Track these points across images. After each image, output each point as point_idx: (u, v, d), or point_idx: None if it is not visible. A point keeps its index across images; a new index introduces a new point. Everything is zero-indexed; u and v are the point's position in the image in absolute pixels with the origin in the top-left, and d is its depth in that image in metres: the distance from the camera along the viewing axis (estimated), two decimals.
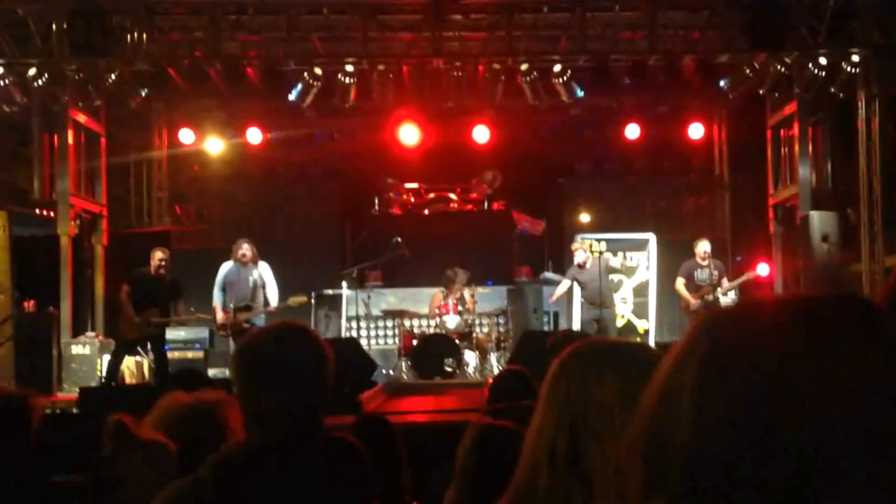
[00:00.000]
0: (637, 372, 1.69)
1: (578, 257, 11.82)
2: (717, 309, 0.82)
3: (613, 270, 12.15)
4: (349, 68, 11.94)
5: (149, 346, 11.11)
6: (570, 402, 1.66)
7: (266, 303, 10.87)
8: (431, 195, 15.91)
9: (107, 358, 11.62)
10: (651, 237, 13.17)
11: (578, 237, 12.47)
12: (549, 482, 1.63)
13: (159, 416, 2.71)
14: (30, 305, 11.66)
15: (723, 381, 0.77)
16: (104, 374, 11.07)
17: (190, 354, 12.34)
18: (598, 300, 11.56)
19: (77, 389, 9.83)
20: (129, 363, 11.65)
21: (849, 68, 11.59)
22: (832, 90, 11.99)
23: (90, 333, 12.34)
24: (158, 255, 10.80)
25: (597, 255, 11.75)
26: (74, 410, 8.48)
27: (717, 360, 0.79)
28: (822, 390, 0.74)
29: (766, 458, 0.74)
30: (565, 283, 12.04)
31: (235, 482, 1.92)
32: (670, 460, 0.79)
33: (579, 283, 11.93)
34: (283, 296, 11.05)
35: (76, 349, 11.69)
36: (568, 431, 1.64)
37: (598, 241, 12.97)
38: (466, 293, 12.13)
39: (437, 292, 12.44)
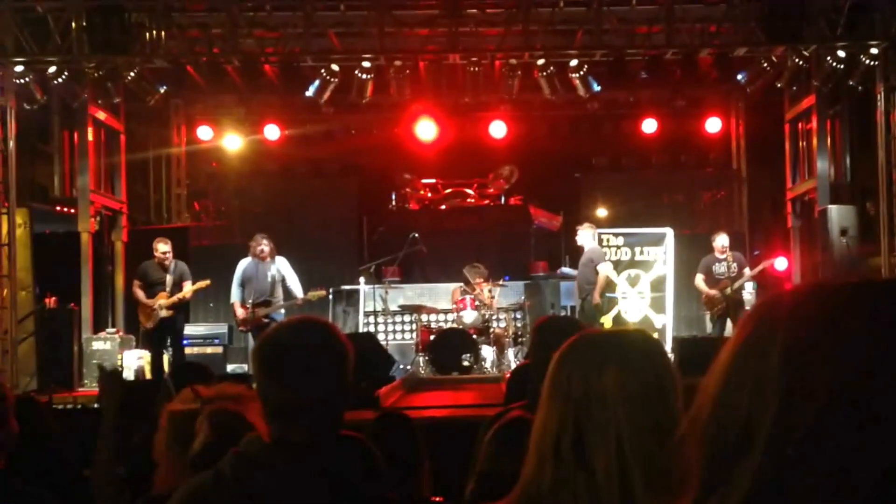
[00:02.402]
0: (637, 361, 1.71)
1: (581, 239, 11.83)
2: (777, 295, 0.84)
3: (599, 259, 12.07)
4: (366, 64, 11.97)
5: (168, 340, 11.21)
6: (572, 394, 1.67)
7: (287, 296, 10.94)
8: (448, 190, 15.92)
9: (127, 354, 11.73)
10: (668, 232, 13.14)
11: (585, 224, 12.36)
12: (555, 476, 1.65)
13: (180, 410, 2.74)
14: (51, 301, 11.76)
15: (817, 362, 0.78)
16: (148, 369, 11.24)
17: (209, 350, 12.42)
18: (579, 291, 11.67)
19: (98, 385, 9.91)
20: (148, 359, 11.75)
21: (867, 61, 11.52)
22: (850, 83, 11.92)
23: (111, 329, 12.44)
24: (161, 248, 11.03)
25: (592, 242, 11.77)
26: (96, 405, 8.54)
27: (803, 343, 0.79)
28: None
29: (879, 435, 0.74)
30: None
31: (255, 476, 1.95)
32: (741, 452, 0.80)
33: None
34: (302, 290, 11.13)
35: (97, 345, 11.78)
36: (572, 424, 1.66)
37: (616, 236, 12.97)
38: (485, 289, 12.15)
39: (455, 288, 12.46)
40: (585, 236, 11.79)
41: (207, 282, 11.17)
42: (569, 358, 1.73)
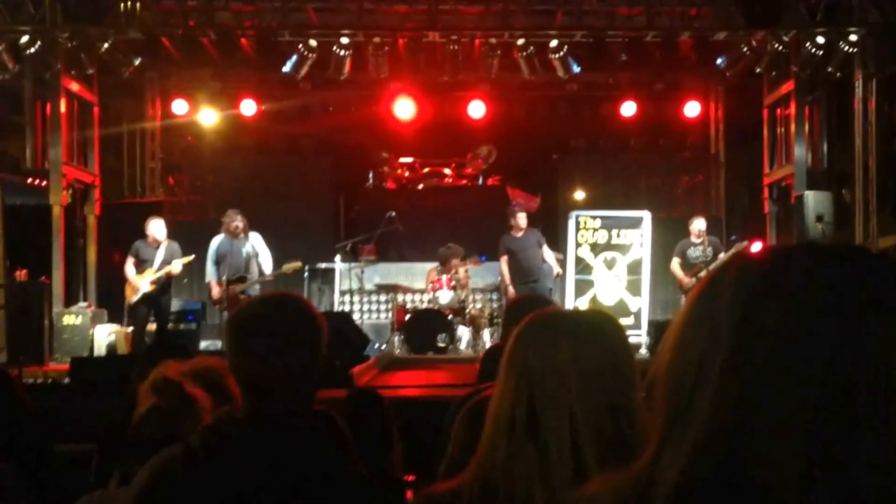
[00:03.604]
0: (592, 339, 1.71)
1: (522, 221, 11.93)
2: (732, 255, 0.90)
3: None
4: (344, 40, 11.87)
5: (151, 315, 11.13)
6: (528, 369, 1.69)
7: (261, 273, 10.87)
8: (426, 170, 15.86)
9: (99, 328, 11.64)
10: (646, 215, 13.16)
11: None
12: (509, 449, 1.66)
13: (151, 385, 2.70)
14: (22, 275, 11.62)
15: (761, 302, 0.85)
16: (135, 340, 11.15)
17: (182, 326, 12.33)
18: (532, 274, 11.74)
19: (69, 359, 9.81)
20: (120, 334, 11.66)
21: (846, 47, 11.57)
22: (829, 69, 11.96)
23: (82, 303, 12.32)
24: (153, 226, 10.96)
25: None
26: (66, 380, 8.46)
27: (749, 284, 0.87)
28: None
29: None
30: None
31: (225, 451, 1.91)
32: (700, 384, 0.85)
33: (510, 252, 11.95)
34: (276, 265, 11.06)
35: (68, 319, 11.66)
36: (526, 398, 1.67)
37: (593, 217, 12.96)
38: (461, 269, 12.12)
39: (431, 268, 12.43)
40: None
41: (192, 257, 11.06)
42: (525, 334, 1.76)
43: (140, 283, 10.80)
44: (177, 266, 10.88)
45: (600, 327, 1.76)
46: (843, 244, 0.90)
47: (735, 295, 0.86)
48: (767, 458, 0.79)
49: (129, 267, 10.95)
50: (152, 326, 11.23)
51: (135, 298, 10.91)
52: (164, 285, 11.01)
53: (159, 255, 10.87)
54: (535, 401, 1.66)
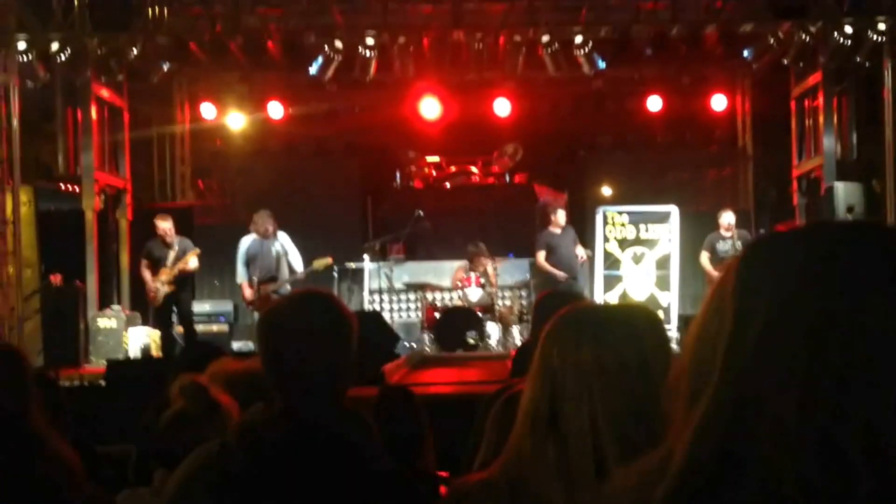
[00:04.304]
0: (617, 336, 1.70)
1: (561, 218, 12.01)
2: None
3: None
4: (370, 41, 11.91)
5: (174, 316, 11.23)
6: (552, 367, 1.69)
7: (292, 271, 10.94)
8: (453, 168, 15.87)
9: (132, 331, 11.77)
10: (673, 209, 13.10)
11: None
12: (533, 445, 1.67)
13: (179, 389, 2.75)
14: (56, 279, 11.77)
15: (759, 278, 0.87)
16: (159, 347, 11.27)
17: (215, 328, 12.45)
18: (571, 270, 11.80)
19: (104, 362, 9.95)
20: (154, 336, 11.78)
21: (874, 37, 11.44)
22: (857, 59, 11.84)
23: (116, 307, 12.46)
24: (161, 226, 11.00)
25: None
26: (102, 383, 8.57)
27: (750, 259, 0.90)
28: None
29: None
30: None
31: (260, 447, 1.95)
32: (713, 366, 0.87)
33: (550, 248, 11.99)
34: (306, 264, 11.15)
35: (102, 322, 11.80)
36: (548, 396, 1.68)
37: (620, 213, 12.94)
38: (489, 266, 12.14)
39: (458, 266, 12.46)
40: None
41: (198, 250, 11.08)
42: (552, 331, 1.76)
43: (158, 285, 10.87)
44: (192, 262, 10.93)
45: (630, 325, 1.73)
46: (845, 220, 0.93)
47: (738, 272, 0.89)
48: (762, 430, 0.81)
49: (144, 270, 11.06)
50: (180, 328, 11.34)
51: (156, 303, 11.03)
52: (182, 283, 11.06)
53: (171, 253, 10.95)
54: (557, 399, 1.67)
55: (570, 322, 1.75)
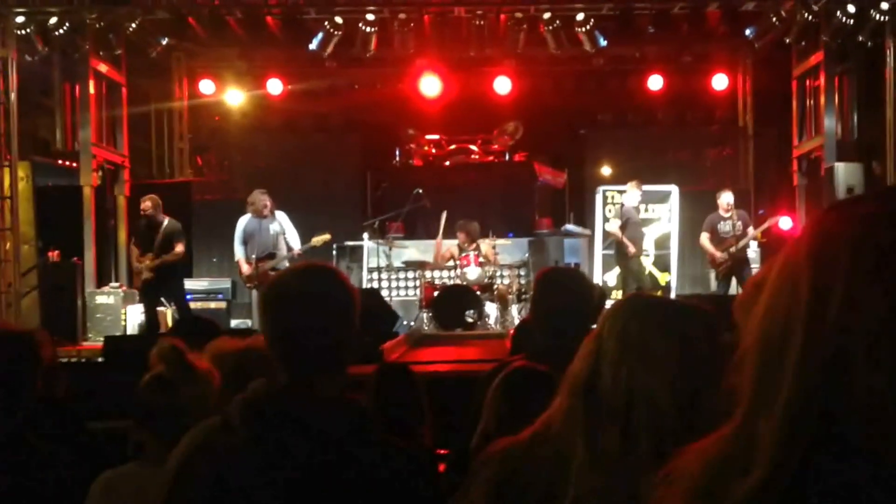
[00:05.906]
0: (667, 324, 1.71)
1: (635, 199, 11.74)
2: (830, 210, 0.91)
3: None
4: (370, 17, 11.84)
5: (159, 298, 11.16)
6: (602, 336, 1.74)
7: (289, 249, 10.91)
8: (452, 146, 15.81)
9: (130, 308, 11.75)
10: (674, 189, 13.08)
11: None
12: (568, 407, 1.71)
13: (212, 361, 2.75)
14: (54, 255, 11.75)
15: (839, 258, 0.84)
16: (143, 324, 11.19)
17: (212, 305, 12.43)
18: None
19: (102, 339, 9.94)
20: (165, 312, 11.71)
21: (877, 16, 11.38)
22: (860, 39, 11.78)
23: (114, 283, 12.45)
24: (142, 206, 10.77)
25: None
26: (100, 359, 8.57)
27: (821, 235, 0.87)
28: None
29: None
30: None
31: (262, 422, 1.94)
32: (787, 343, 0.85)
33: (627, 227, 11.63)
34: (304, 241, 11.11)
35: (100, 299, 11.79)
36: (591, 365, 1.71)
37: (620, 192, 12.91)
38: (487, 245, 12.10)
39: (448, 245, 12.35)
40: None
41: (182, 240, 10.81)
42: (610, 308, 1.80)
43: (142, 267, 10.71)
44: (178, 248, 10.67)
45: (687, 321, 1.73)
46: None
47: (810, 248, 0.87)
48: (860, 412, 0.80)
49: (134, 249, 10.90)
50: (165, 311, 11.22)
51: (139, 284, 10.92)
52: (168, 270, 10.67)
53: (158, 237, 10.61)
54: (598, 363, 1.69)
55: (627, 301, 1.83)
